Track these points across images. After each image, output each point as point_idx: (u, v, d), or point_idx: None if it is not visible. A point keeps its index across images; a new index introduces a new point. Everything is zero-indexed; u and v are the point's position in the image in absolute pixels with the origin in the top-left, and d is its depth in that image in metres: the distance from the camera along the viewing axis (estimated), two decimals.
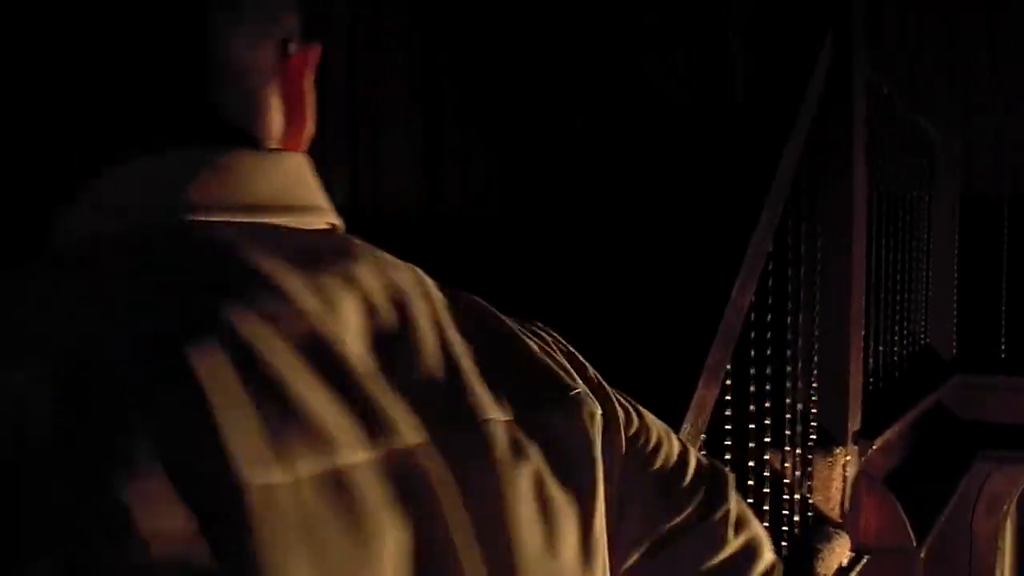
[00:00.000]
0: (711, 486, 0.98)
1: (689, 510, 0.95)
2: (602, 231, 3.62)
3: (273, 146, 0.83)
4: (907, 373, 4.93)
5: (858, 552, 3.59)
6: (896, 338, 4.85)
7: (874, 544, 3.72)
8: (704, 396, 2.28)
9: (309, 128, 0.89)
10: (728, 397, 2.62)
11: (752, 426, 2.94)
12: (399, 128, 3.33)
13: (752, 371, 2.93)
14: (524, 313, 0.95)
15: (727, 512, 0.97)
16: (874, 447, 3.81)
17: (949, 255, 5.88)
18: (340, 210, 0.89)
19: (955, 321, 5.93)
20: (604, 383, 0.94)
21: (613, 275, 3.53)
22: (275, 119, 0.84)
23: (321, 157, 2.78)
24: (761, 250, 2.76)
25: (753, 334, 2.89)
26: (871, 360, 4.27)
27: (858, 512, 3.73)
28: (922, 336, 5.51)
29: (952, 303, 5.91)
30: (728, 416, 2.67)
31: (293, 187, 0.83)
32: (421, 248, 3.35)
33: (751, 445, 2.93)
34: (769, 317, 3.00)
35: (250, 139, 0.81)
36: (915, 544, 3.82)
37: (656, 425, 0.98)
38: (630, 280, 3.46)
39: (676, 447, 0.98)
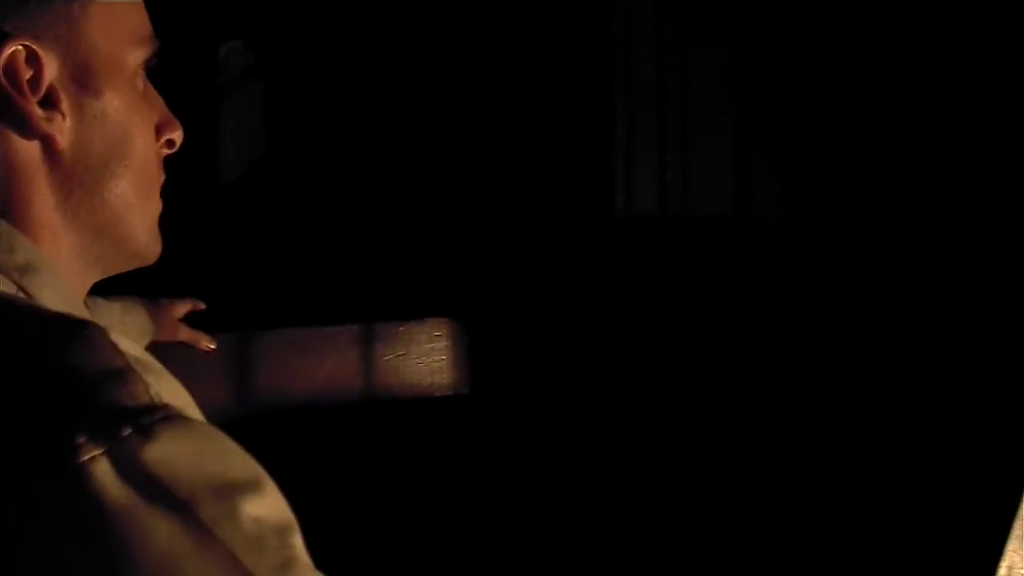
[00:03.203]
0: None
1: None
2: (920, 237, 3.47)
3: None
4: None
5: None
6: None
7: None
8: None
9: None
10: None
11: None
12: (708, 131, 3.28)
13: None
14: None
15: None
16: None
17: None
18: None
19: None
20: None
21: (931, 283, 3.38)
22: None
23: (629, 162, 2.74)
24: None
25: None
26: None
27: None
28: None
29: None
30: None
31: None
32: (731, 253, 3.30)
33: None
34: None
35: None
36: None
37: None
38: (950, 286, 3.31)
39: None
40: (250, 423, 2.72)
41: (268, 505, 0.74)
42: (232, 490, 0.72)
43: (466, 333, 3.17)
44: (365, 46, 3.61)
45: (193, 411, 0.77)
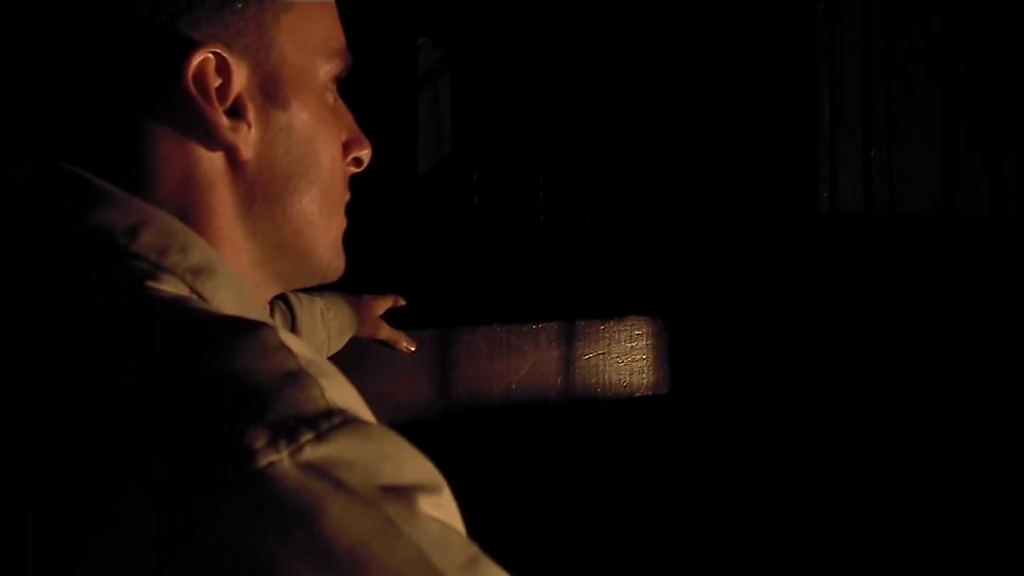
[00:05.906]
0: None
1: None
2: None
3: None
4: None
5: None
6: None
7: None
8: None
9: None
10: None
11: None
12: (915, 124, 3.19)
13: None
14: None
15: None
16: None
17: None
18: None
19: None
20: None
21: None
22: None
23: (833, 158, 2.68)
24: None
25: None
26: None
27: None
28: None
29: None
30: None
31: None
32: (939, 250, 3.20)
33: None
34: None
35: None
36: None
37: None
38: None
39: None
40: (450, 419, 2.75)
41: (447, 507, 0.73)
42: (411, 491, 0.70)
43: (667, 332, 3.15)
44: (559, 37, 3.62)
45: (365, 413, 0.76)
